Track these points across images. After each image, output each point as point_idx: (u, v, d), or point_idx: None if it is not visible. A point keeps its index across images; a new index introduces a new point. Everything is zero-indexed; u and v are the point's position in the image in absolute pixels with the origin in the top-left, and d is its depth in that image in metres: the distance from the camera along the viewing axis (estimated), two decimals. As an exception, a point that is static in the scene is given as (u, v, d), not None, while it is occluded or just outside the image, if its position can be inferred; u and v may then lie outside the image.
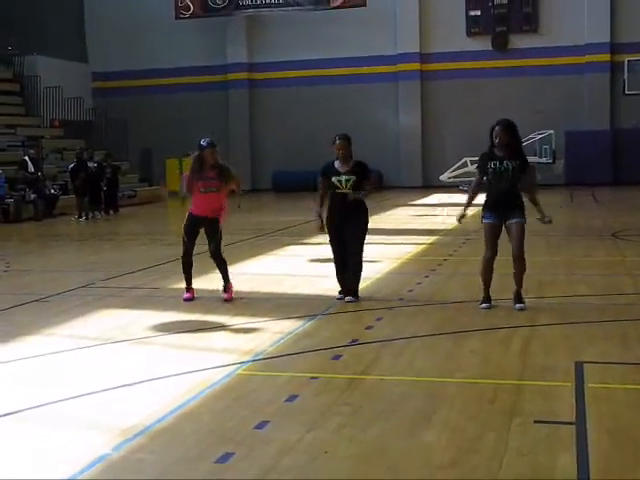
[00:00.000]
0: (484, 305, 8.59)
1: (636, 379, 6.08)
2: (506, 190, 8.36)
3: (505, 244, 8.49)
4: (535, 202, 8.52)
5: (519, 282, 8.53)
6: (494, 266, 8.57)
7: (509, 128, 8.36)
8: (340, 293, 9.32)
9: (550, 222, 8.55)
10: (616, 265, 11.52)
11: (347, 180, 9.10)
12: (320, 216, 9.30)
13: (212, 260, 9.46)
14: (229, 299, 9.35)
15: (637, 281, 10.12)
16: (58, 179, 25.51)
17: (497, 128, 8.33)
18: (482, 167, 8.54)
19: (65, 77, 31.37)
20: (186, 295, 9.49)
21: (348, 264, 9.17)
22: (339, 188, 9.13)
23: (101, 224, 21.16)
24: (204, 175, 9.19)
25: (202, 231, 9.47)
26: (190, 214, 9.42)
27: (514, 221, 8.36)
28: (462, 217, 8.74)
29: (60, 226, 21.12)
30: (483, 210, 8.54)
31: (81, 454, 4.74)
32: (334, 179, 9.15)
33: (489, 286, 8.63)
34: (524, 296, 8.60)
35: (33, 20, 31.38)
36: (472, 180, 31.90)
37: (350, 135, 9.37)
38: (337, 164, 9.20)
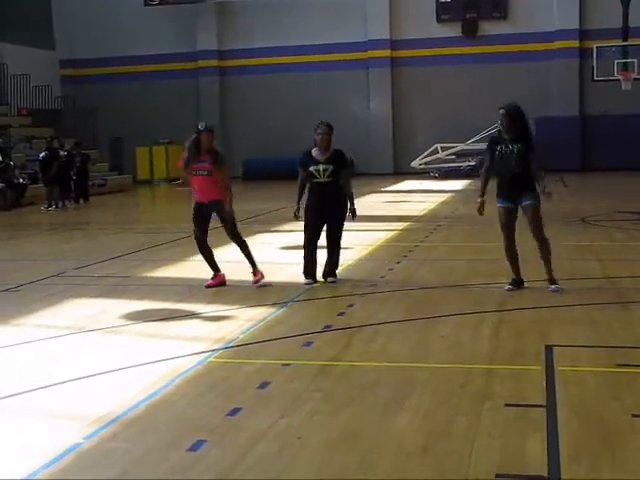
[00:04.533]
0: (508, 287, 8.66)
1: (604, 362, 6.14)
2: (514, 173, 8.43)
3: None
4: (538, 180, 8.56)
5: (546, 264, 8.64)
6: (516, 249, 8.71)
7: (511, 112, 8.46)
8: (307, 278, 9.36)
9: (550, 194, 8.56)
10: (585, 250, 11.62)
11: (325, 170, 9.10)
12: (298, 206, 9.34)
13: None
14: (257, 282, 9.38)
15: (605, 266, 10.22)
16: (27, 168, 25.25)
17: (501, 112, 8.45)
18: (489, 151, 8.63)
19: (32, 65, 31.01)
20: (209, 282, 9.43)
21: (331, 251, 9.33)
22: (317, 178, 9.14)
23: (71, 213, 20.98)
24: (199, 158, 9.26)
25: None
26: (194, 202, 9.44)
27: (526, 203, 8.48)
28: (481, 206, 8.72)
29: (30, 215, 20.92)
30: (497, 195, 8.63)
31: (52, 444, 4.71)
32: (312, 168, 9.14)
33: (516, 269, 8.72)
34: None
35: (-1, 7, 30.99)
36: (443, 166, 31.50)
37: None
38: (315, 152, 9.21)
